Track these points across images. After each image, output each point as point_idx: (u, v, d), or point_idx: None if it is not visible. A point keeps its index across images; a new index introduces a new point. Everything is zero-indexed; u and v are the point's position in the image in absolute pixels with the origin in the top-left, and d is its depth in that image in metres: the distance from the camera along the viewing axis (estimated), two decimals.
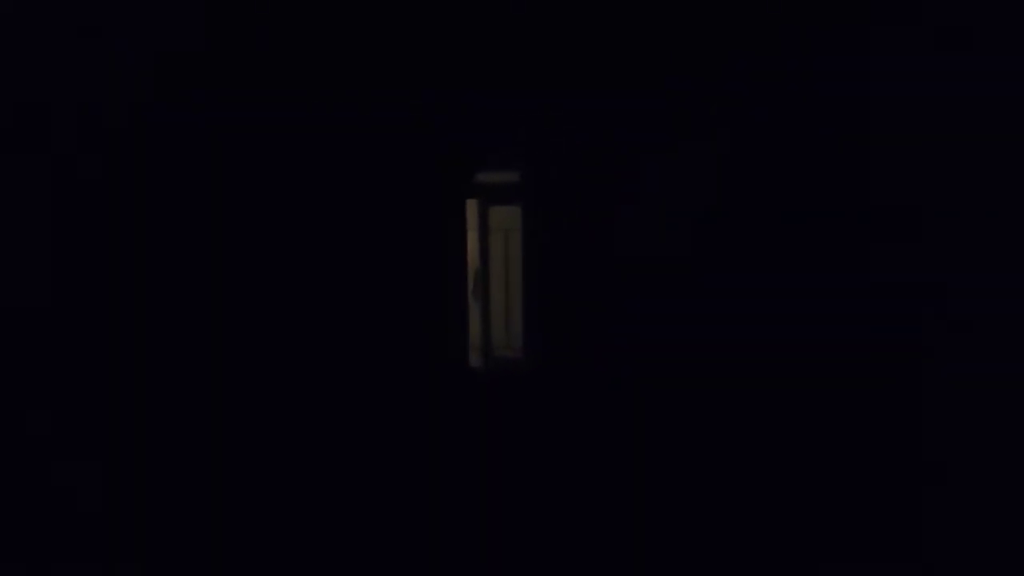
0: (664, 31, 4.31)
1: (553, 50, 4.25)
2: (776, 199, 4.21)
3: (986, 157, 3.66)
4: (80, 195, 3.82)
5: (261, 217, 4.08)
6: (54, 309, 3.78)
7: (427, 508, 4.26)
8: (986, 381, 3.67)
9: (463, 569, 4.08)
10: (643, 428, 4.36)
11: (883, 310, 3.99)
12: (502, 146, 4.35)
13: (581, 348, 4.41)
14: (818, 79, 4.11)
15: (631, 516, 4.28)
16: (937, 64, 3.76)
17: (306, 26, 4.11)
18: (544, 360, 4.43)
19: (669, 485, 4.31)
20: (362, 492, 4.20)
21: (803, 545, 4.11)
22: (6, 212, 3.69)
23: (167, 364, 3.99)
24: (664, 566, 4.10)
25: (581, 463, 4.39)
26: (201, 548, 3.93)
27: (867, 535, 4.02)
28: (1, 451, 3.69)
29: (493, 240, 4.86)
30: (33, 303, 3.74)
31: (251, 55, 4.08)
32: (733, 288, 4.26)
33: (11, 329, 3.69)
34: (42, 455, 3.76)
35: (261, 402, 4.08)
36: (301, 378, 4.13)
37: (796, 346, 4.20)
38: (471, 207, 4.87)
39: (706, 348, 4.31)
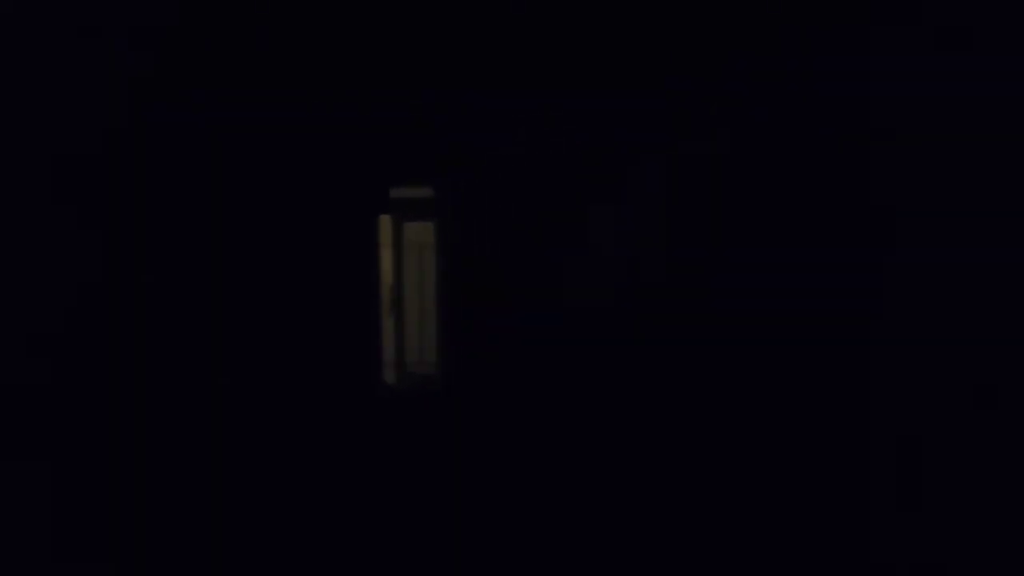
0: (666, 31, 4.31)
1: (489, 52, 4.23)
2: (776, 199, 4.21)
3: (986, 157, 3.65)
4: (79, 190, 3.83)
5: (166, 232, 4.04)
6: (53, 304, 3.79)
7: (340, 523, 4.22)
8: (984, 378, 3.67)
9: None
10: (555, 444, 4.36)
11: (883, 310, 3.99)
12: (417, 160, 4.33)
13: (495, 364, 4.42)
14: (818, 79, 4.10)
15: (543, 531, 4.27)
16: (937, 64, 3.75)
17: (211, 36, 4.10)
18: (458, 376, 4.44)
19: (580, 501, 4.30)
20: (274, 508, 4.16)
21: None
22: (6, 210, 3.70)
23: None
24: None
25: (493, 480, 4.38)
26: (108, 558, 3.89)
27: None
28: None
29: (408, 256, 4.85)
30: (33, 299, 3.75)
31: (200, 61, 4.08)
32: (670, 300, 4.26)
33: (10, 326, 3.70)
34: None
35: (172, 413, 4.03)
36: (213, 393, 4.08)
37: (749, 351, 4.19)
38: (385, 223, 4.85)
39: (626, 363, 4.31)
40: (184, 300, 4.03)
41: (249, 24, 4.06)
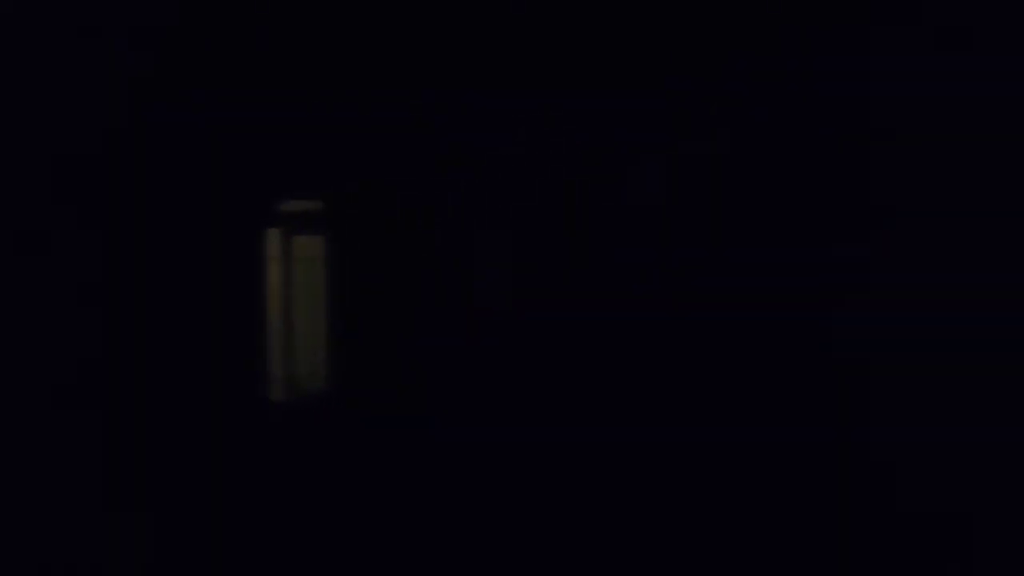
0: (666, 31, 4.31)
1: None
2: (776, 199, 4.21)
3: (986, 157, 3.66)
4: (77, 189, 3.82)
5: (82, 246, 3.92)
6: (52, 304, 3.78)
7: (222, 542, 4.09)
8: (981, 382, 3.67)
9: None
10: (447, 462, 4.30)
11: (883, 313, 3.99)
12: (305, 173, 4.23)
13: (386, 381, 4.36)
14: (818, 79, 4.11)
15: (433, 551, 4.20)
16: (937, 64, 3.75)
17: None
18: (348, 393, 4.37)
19: (470, 521, 4.25)
20: (151, 528, 4.01)
21: None
22: (6, 210, 3.69)
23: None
24: None
25: (382, 497, 4.32)
26: None
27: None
28: None
29: (297, 271, 4.73)
30: (32, 300, 3.74)
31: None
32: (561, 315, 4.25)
33: (9, 325, 3.70)
34: None
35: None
36: (94, 412, 3.99)
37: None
38: (274, 236, 4.68)
39: (520, 378, 4.28)
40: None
41: (256, 26, 4.05)
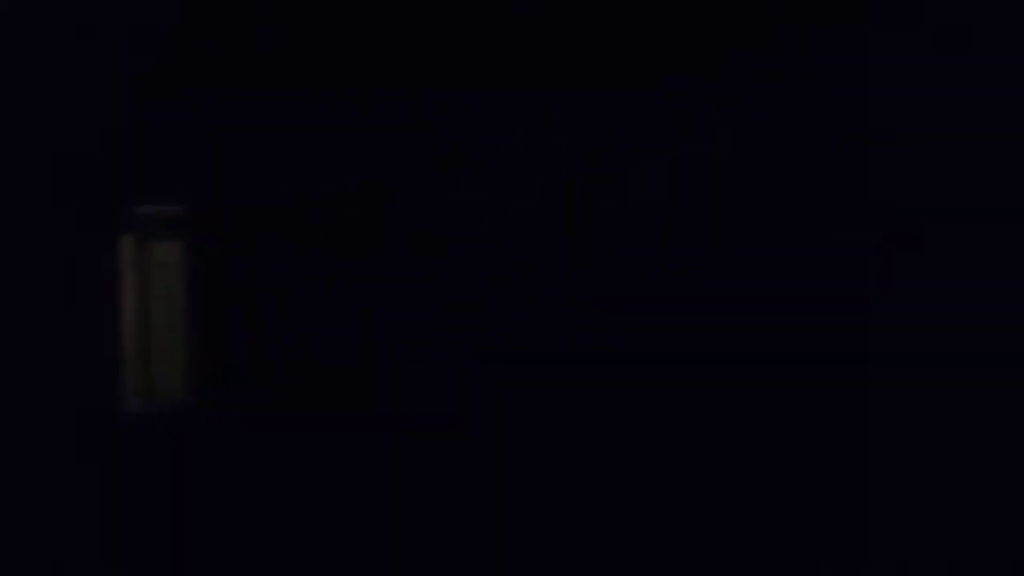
0: (665, 31, 4.30)
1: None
2: (776, 199, 4.20)
3: (986, 157, 3.65)
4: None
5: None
6: (52, 304, 3.78)
7: (65, 553, 3.97)
8: (978, 384, 3.66)
9: None
10: (324, 472, 4.21)
11: (883, 312, 3.98)
12: (165, 175, 4.03)
13: (250, 390, 4.23)
14: (818, 79, 4.10)
15: (299, 559, 4.11)
16: (937, 64, 3.75)
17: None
18: (211, 402, 4.23)
19: (338, 531, 4.18)
20: None
21: None
22: (6, 210, 3.70)
23: None
24: None
25: (248, 511, 4.21)
26: None
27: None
28: None
29: (155, 278, 4.54)
30: (33, 300, 3.75)
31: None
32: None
33: (8, 329, 3.70)
34: None
35: None
36: None
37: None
38: (129, 243, 4.47)
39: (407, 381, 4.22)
40: None
41: (255, 24, 4.05)
